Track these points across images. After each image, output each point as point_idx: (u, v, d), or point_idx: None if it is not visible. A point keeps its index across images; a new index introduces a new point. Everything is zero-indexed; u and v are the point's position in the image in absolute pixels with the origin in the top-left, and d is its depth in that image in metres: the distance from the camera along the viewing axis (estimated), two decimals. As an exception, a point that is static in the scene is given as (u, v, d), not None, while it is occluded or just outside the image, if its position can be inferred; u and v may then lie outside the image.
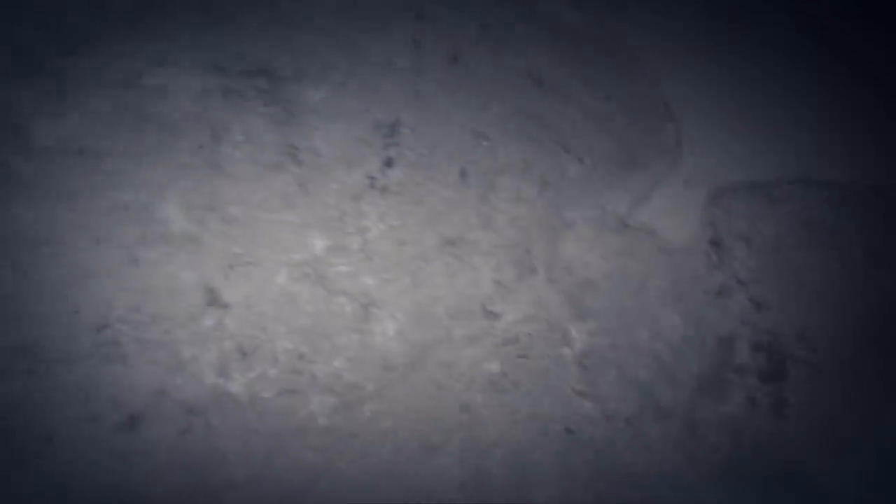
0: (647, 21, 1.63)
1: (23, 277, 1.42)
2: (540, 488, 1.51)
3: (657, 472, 1.53)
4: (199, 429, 1.44)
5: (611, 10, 1.62)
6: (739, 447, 1.56)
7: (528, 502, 1.50)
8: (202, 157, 1.48)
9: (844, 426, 1.59)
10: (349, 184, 1.50)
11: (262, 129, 1.50)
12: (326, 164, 1.51)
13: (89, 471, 1.41)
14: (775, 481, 1.56)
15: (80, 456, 1.41)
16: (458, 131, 1.55)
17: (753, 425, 1.56)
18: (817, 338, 1.59)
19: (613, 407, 1.53)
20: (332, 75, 1.53)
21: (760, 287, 1.59)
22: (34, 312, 1.41)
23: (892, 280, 1.61)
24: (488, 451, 1.50)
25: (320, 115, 1.52)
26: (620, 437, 1.53)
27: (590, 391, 1.53)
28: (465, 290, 1.51)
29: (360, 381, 1.48)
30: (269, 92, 1.51)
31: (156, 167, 1.47)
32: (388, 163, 1.52)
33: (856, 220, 1.63)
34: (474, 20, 1.57)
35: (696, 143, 1.60)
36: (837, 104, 1.67)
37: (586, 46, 1.61)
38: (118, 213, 1.45)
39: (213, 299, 1.46)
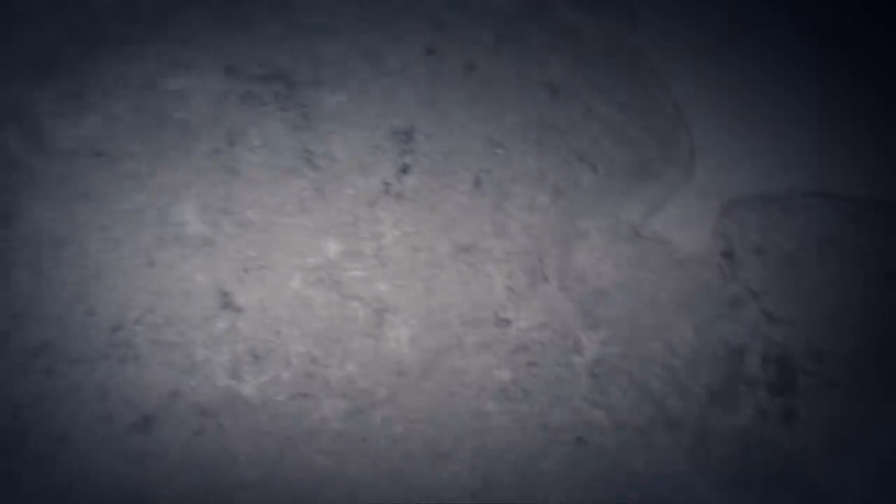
0: (662, 33, 1.63)
1: (40, 277, 1.43)
2: (550, 496, 1.51)
3: (667, 482, 1.53)
4: (212, 430, 1.45)
5: (626, 23, 1.63)
6: (749, 458, 1.56)
7: (537, 510, 1.50)
8: (219, 160, 1.49)
9: (853, 439, 1.59)
10: (364, 189, 1.51)
11: (278, 133, 1.51)
12: (342, 169, 1.52)
13: (102, 470, 1.42)
14: (784, 492, 1.56)
15: (93, 455, 1.42)
16: (473, 139, 1.56)
17: (763, 437, 1.56)
18: (828, 350, 1.59)
19: (624, 416, 1.53)
20: (350, 82, 1.54)
21: (772, 299, 1.59)
22: (51, 312, 1.43)
23: (904, 294, 1.61)
24: (499, 458, 1.50)
25: (337, 121, 1.53)
26: (631, 447, 1.53)
27: (601, 400, 1.53)
28: (477, 297, 1.52)
29: (372, 386, 1.48)
30: (286, 97, 1.52)
31: (173, 170, 1.48)
32: (404, 169, 1.53)
33: (868, 234, 1.63)
34: (491, 30, 1.58)
35: (709, 155, 1.61)
36: (862, 120, 1.68)
37: (602, 57, 1.62)
38: (135, 215, 1.47)
39: (227, 302, 1.47)
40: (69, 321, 1.43)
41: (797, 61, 1.67)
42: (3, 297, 1.42)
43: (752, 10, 1.67)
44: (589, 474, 1.52)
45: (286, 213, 1.50)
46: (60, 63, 1.48)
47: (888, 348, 1.61)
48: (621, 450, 1.53)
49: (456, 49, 1.57)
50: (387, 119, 1.54)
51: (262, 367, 1.46)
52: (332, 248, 1.50)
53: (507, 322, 1.52)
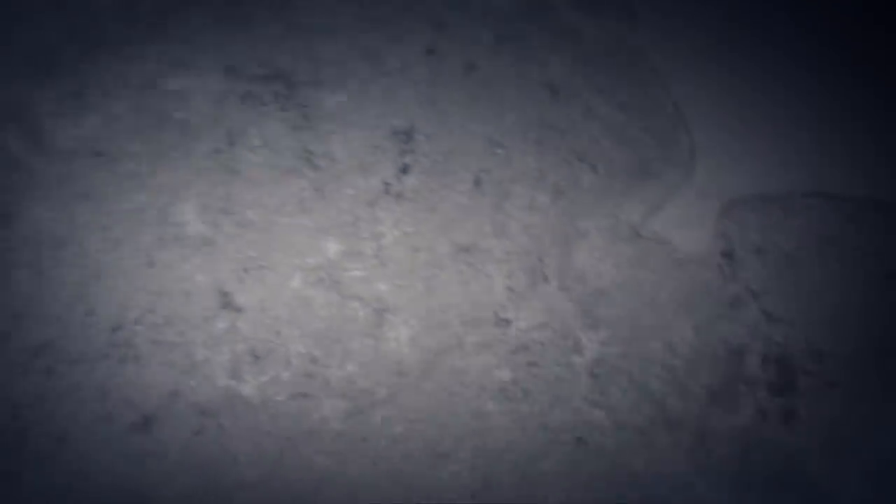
0: (662, 33, 1.63)
1: (40, 277, 1.43)
2: (550, 496, 1.51)
3: (667, 483, 1.53)
4: (212, 430, 1.45)
5: (626, 22, 1.63)
6: (749, 458, 1.56)
7: (537, 510, 1.50)
8: (219, 160, 1.49)
9: (853, 439, 1.59)
10: (364, 189, 1.51)
11: (278, 133, 1.51)
12: (342, 169, 1.52)
13: (102, 470, 1.42)
14: (784, 492, 1.56)
15: (93, 455, 1.42)
16: (473, 139, 1.56)
17: (763, 437, 1.56)
18: (828, 350, 1.59)
19: (624, 416, 1.53)
20: (350, 82, 1.54)
21: (772, 299, 1.59)
22: (51, 312, 1.43)
23: (904, 294, 1.61)
24: (499, 458, 1.50)
25: (337, 121, 1.53)
26: (631, 447, 1.53)
27: (601, 400, 1.53)
28: (477, 297, 1.52)
29: (372, 386, 1.48)
30: (286, 97, 1.52)
31: (173, 170, 1.48)
32: (404, 169, 1.53)
33: (868, 234, 1.63)
34: (491, 30, 1.58)
35: (709, 155, 1.61)
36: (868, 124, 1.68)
37: (602, 57, 1.62)
38: (135, 215, 1.47)
39: (228, 302, 1.47)
40: (69, 321, 1.43)
41: (797, 61, 1.67)
42: (4, 296, 1.42)
43: (751, 9, 1.68)
44: (589, 474, 1.52)
45: (286, 213, 1.50)
46: (60, 63, 1.48)
47: (888, 348, 1.61)
48: (621, 450, 1.53)
49: (456, 49, 1.57)
50: (387, 119, 1.54)
51: (262, 367, 1.46)
52: (332, 248, 1.50)
53: (507, 322, 1.52)
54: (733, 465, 1.55)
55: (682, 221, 1.58)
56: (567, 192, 1.57)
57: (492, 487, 1.50)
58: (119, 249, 1.46)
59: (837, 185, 1.63)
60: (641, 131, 1.60)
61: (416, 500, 1.48)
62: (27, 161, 1.45)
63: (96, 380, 1.43)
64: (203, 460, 1.44)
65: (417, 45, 1.56)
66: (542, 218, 1.56)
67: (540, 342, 1.52)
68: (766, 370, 1.56)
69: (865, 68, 1.68)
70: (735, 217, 1.60)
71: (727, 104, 1.63)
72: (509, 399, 1.51)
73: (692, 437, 1.55)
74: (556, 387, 1.52)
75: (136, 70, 1.49)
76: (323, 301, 1.49)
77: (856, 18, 1.69)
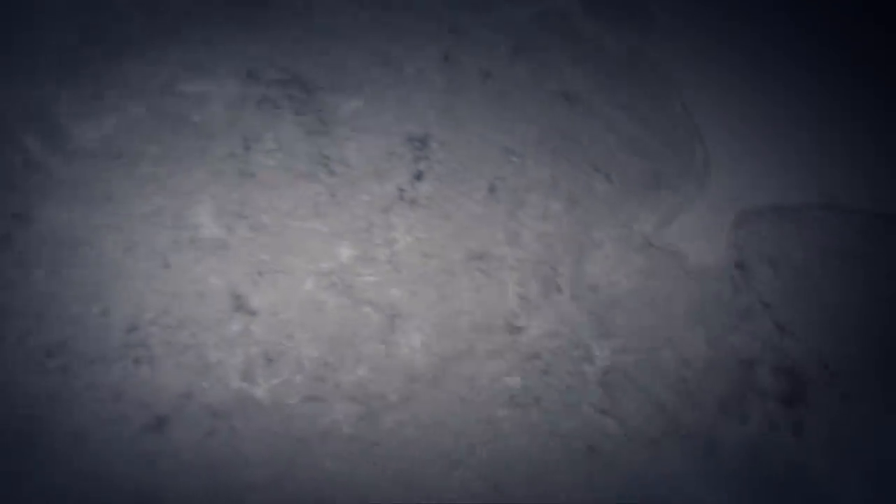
0: (679, 44, 1.64)
1: (57, 277, 1.45)
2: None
3: (676, 492, 1.54)
4: (224, 432, 1.46)
5: (642, 32, 1.63)
6: (759, 468, 1.56)
7: (546, 518, 1.50)
8: (235, 164, 1.50)
9: (863, 451, 1.59)
10: (379, 195, 1.52)
11: (294, 138, 1.52)
12: (357, 175, 1.52)
13: (115, 470, 1.43)
14: (791, 502, 1.56)
15: (106, 455, 1.43)
16: (488, 147, 1.56)
17: (773, 447, 1.56)
18: (839, 363, 1.59)
19: (634, 425, 1.53)
20: (366, 87, 1.55)
21: (784, 311, 1.59)
22: (67, 312, 1.44)
23: (916, 308, 1.61)
24: (509, 465, 1.51)
25: (352, 127, 1.54)
26: (641, 456, 1.53)
27: (611, 409, 1.53)
28: (490, 304, 1.53)
29: (383, 391, 1.49)
30: (302, 102, 1.53)
31: (189, 173, 1.49)
32: (418, 176, 1.54)
33: (881, 247, 1.62)
34: (508, 39, 1.59)
35: (723, 166, 1.61)
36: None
37: (618, 67, 1.62)
38: (151, 217, 1.48)
39: (241, 305, 1.48)
40: (85, 321, 1.44)
41: (820, 76, 1.67)
42: (21, 296, 1.43)
43: (774, 24, 1.67)
44: (599, 482, 1.52)
45: (300, 217, 1.51)
46: (80, 65, 1.50)
47: (899, 362, 1.61)
48: (631, 459, 1.53)
49: (472, 57, 1.58)
50: (402, 125, 1.55)
51: (274, 369, 1.47)
52: (346, 252, 1.51)
53: (520, 330, 1.53)
54: (743, 474, 1.55)
55: (696, 232, 1.58)
56: (581, 201, 1.57)
57: (501, 494, 1.50)
58: (135, 251, 1.47)
59: (851, 199, 1.63)
60: (656, 142, 1.60)
61: (425, 505, 1.49)
62: (46, 162, 1.47)
63: (111, 380, 1.44)
64: (215, 461, 1.45)
65: (434, 53, 1.57)
66: (556, 227, 1.56)
67: (551, 350, 1.53)
68: (777, 381, 1.56)
69: (888, 83, 1.68)
70: (748, 229, 1.60)
71: (742, 116, 1.63)
72: (520, 406, 1.52)
73: (702, 446, 1.55)
74: (567, 395, 1.52)
75: (156, 73, 1.51)
76: (336, 305, 1.49)
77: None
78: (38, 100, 1.48)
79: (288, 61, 1.54)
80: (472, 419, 1.51)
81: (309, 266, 1.50)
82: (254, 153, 1.51)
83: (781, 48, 1.65)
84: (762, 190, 1.61)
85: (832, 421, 1.57)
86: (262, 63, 1.53)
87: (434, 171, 1.54)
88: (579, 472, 1.51)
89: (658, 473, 1.53)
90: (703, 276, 1.58)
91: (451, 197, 1.54)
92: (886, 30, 1.68)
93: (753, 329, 1.58)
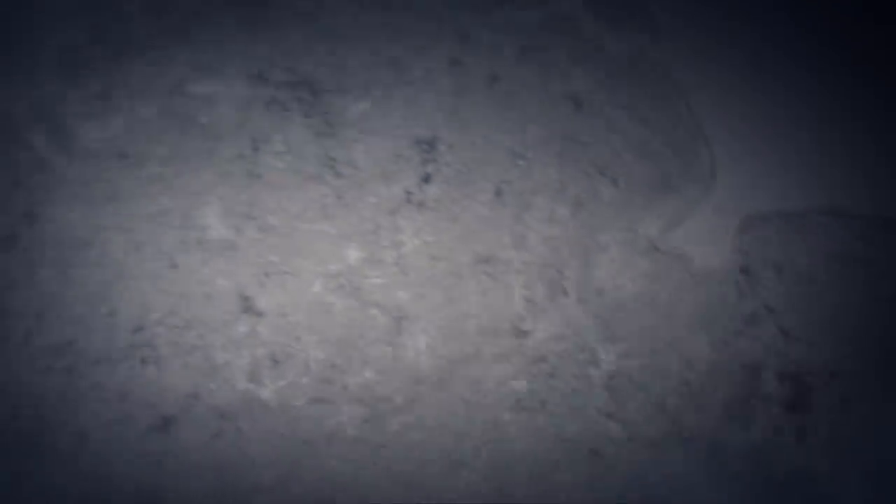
0: (685, 47, 1.64)
1: (64, 277, 1.45)
2: (565, 508, 1.52)
3: (680, 496, 1.54)
4: (230, 433, 1.46)
5: (649, 35, 1.64)
6: (762, 473, 1.57)
7: (550, 520, 1.51)
8: (243, 165, 1.51)
9: (867, 457, 1.60)
10: (386, 197, 1.53)
11: (302, 139, 1.52)
12: (364, 177, 1.53)
13: (121, 470, 1.43)
14: (794, 509, 1.57)
15: (113, 455, 1.43)
16: (495, 150, 1.57)
17: (777, 452, 1.57)
18: (844, 368, 1.60)
19: (639, 429, 1.54)
20: (374, 90, 1.55)
21: (789, 316, 1.60)
22: (73, 312, 1.44)
23: (920, 314, 1.62)
24: (513, 468, 1.52)
25: (360, 129, 1.54)
26: (645, 460, 1.54)
27: (616, 413, 1.54)
28: (496, 307, 1.53)
29: (390, 393, 1.50)
30: (310, 104, 1.53)
31: (197, 174, 1.49)
32: (426, 178, 1.54)
33: (887, 253, 1.63)
34: (515, 42, 1.59)
35: (729, 170, 1.61)
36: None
37: (624, 70, 1.62)
38: (159, 217, 1.48)
39: (248, 306, 1.48)
40: (91, 321, 1.45)
41: (822, 79, 1.67)
42: (27, 295, 1.43)
43: (777, 25, 1.68)
44: (603, 486, 1.53)
45: (308, 219, 1.51)
46: (88, 64, 1.49)
47: (903, 367, 1.61)
48: (635, 462, 1.54)
49: (480, 60, 1.58)
50: (410, 128, 1.55)
51: (281, 371, 1.48)
52: (353, 255, 1.51)
53: (526, 333, 1.53)
54: (746, 479, 1.56)
55: (701, 237, 1.59)
56: (587, 204, 1.58)
57: (506, 496, 1.51)
58: (142, 251, 1.47)
59: (857, 204, 1.63)
60: (662, 145, 1.61)
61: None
62: (53, 161, 1.47)
63: (117, 380, 1.44)
64: (221, 462, 1.46)
65: (441, 56, 1.57)
66: (562, 230, 1.57)
67: (557, 354, 1.54)
68: (782, 387, 1.57)
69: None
70: (753, 233, 1.61)
71: (748, 120, 1.64)
72: (526, 409, 1.52)
73: (706, 451, 1.56)
74: (572, 398, 1.53)
75: (164, 73, 1.51)
76: (343, 307, 1.50)
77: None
78: (45, 99, 1.48)
79: (296, 63, 1.54)
80: (477, 422, 1.51)
81: (316, 268, 1.50)
82: (262, 154, 1.51)
83: (781, 48, 1.65)
84: (762, 189, 1.62)
85: (835, 425, 1.58)
86: (271, 64, 1.53)
87: (441, 174, 1.54)
88: (582, 474, 1.52)
89: (660, 476, 1.54)
90: (709, 280, 1.59)
91: (458, 200, 1.54)
92: (886, 30, 1.68)
93: (758, 334, 1.59)
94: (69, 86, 1.49)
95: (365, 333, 1.50)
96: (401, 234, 1.52)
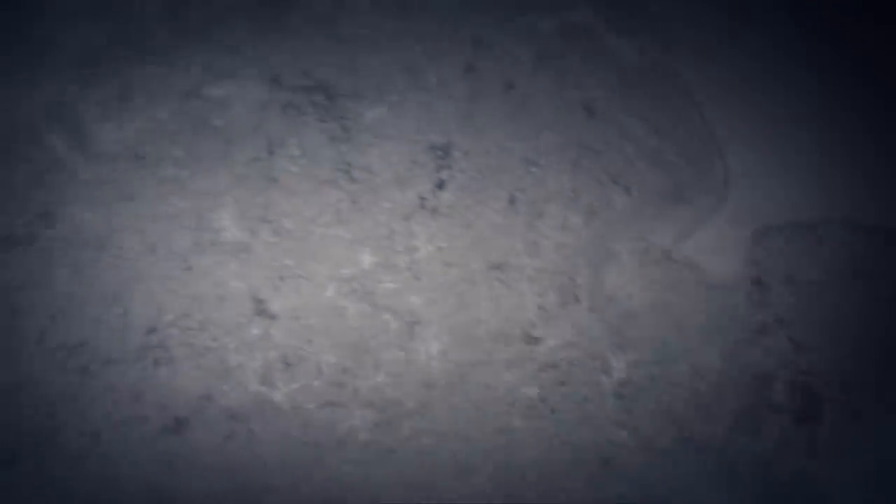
0: (700, 58, 1.65)
1: (79, 277, 1.45)
2: (574, 515, 1.53)
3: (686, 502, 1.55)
4: (242, 435, 1.47)
5: (663, 45, 1.64)
6: (772, 484, 1.57)
7: (558, 526, 1.52)
8: (258, 168, 1.51)
9: (878, 469, 1.60)
10: (401, 203, 1.53)
11: (317, 144, 1.53)
12: (379, 182, 1.53)
13: (133, 470, 1.44)
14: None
15: (125, 456, 1.44)
16: (509, 157, 1.57)
17: (787, 463, 1.57)
18: (854, 380, 1.60)
19: (649, 438, 1.55)
20: (389, 95, 1.56)
21: (800, 327, 1.60)
22: (88, 312, 1.45)
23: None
24: (523, 474, 1.52)
25: (375, 134, 1.54)
26: (654, 468, 1.54)
27: (626, 421, 1.55)
28: (508, 314, 1.54)
29: (401, 397, 1.50)
30: (326, 108, 1.54)
31: (212, 176, 1.50)
32: (440, 185, 1.55)
33: (890, 263, 1.64)
34: (530, 50, 1.60)
35: (742, 181, 1.62)
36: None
37: (639, 79, 1.63)
38: (174, 219, 1.49)
39: (262, 309, 1.49)
40: (105, 322, 1.45)
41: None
42: (42, 295, 1.44)
43: (793, 37, 1.68)
44: (612, 494, 1.54)
45: (323, 223, 1.52)
46: (106, 66, 1.50)
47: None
48: (644, 470, 1.54)
49: (495, 67, 1.59)
50: (425, 134, 1.55)
51: (293, 374, 1.48)
52: (367, 259, 1.52)
53: (537, 340, 1.54)
54: (756, 490, 1.56)
55: (714, 246, 1.60)
56: (600, 213, 1.58)
57: (514, 502, 1.52)
58: (156, 252, 1.48)
59: (870, 216, 1.63)
60: (676, 155, 1.61)
61: (440, 512, 1.50)
62: (70, 162, 1.47)
63: (130, 381, 1.45)
64: (233, 464, 1.46)
65: (457, 62, 1.58)
66: (575, 238, 1.57)
67: (569, 361, 1.54)
68: (792, 398, 1.57)
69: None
70: (766, 244, 1.61)
71: (762, 131, 1.64)
72: (536, 416, 1.53)
73: (715, 460, 1.56)
74: (582, 406, 1.54)
75: (181, 76, 1.51)
76: (356, 312, 1.51)
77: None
78: (63, 101, 1.49)
79: (312, 67, 1.55)
80: (487, 427, 1.52)
81: (330, 272, 1.51)
82: (277, 158, 1.52)
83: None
84: (774, 200, 1.62)
85: (847, 438, 1.59)
86: (287, 69, 1.54)
87: (456, 181, 1.55)
88: (590, 481, 1.53)
89: (668, 484, 1.55)
90: (721, 290, 1.59)
91: (471, 206, 1.55)
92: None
93: (769, 344, 1.59)
94: (86, 87, 1.49)
95: (377, 338, 1.50)
96: (414, 240, 1.53)
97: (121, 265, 1.47)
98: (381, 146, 1.54)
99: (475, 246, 1.54)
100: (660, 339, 1.57)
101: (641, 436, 1.54)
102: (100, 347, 1.45)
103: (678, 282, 1.58)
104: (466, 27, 1.59)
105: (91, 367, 1.45)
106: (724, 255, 1.60)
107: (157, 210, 1.49)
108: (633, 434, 1.54)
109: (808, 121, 1.65)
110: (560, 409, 1.53)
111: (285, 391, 1.48)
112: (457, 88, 1.58)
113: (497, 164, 1.57)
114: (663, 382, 1.55)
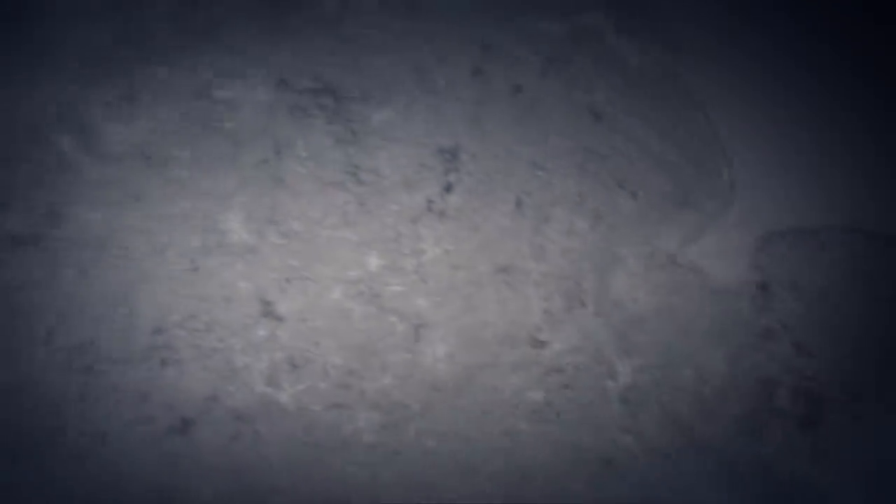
0: (708, 62, 1.65)
1: (85, 277, 1.45)
2: (579, 518, 1.53)
3: (690, 508, 1.56)
4: (248, 436, 1.47)
5: (671, 50, 1.65)
6: (774, 489, 1.58)
7: (563, 529, 1.52)
8: (265, 170, 1.51)
9: (882, 474, 1.61)
10: (408, 206, 1.53)
11: (325, 146, 1.53)
12: (386, 184, 1.54)
13: (139, 470, 1.44)
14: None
15: (131, 455, 1.44)
16: (516, 161, 1.57)
17: (790, 469, 1.58)
18: (858, 386, 1.61)
19: (653, 442, 1.55)
20: (397, 98, 1.56)
21: (804, 333, 1.61)
22: (94, 312, 1.45)
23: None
24: (527, 477, 1.53)
25: (383, 136, 1.55)
26: (658, 472, 1.55)
27: (631, 425, 1.55)
28: (514, 317, 1.54)
29: (407, 400, 1.51)
30: (334, 111, 1.54)
31: (220, 178, 1.50)
32: (447, 188, 1.55)
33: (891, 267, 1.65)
34: (539, 53, 1.60)
35: (748, 186, 1.62)
36: None
37: (646, 84, 1.63)
38: (181, 220, 1.49)
39: (269, 311, 1.49)
40: (111, 322, 1.45)
41: (834, 93, 1.68)
42: (49, 295, 1.44)
43: (793, 37, 1.68)
44: (615, 498, 1.54)
45: (330, 225, 1.52)
46: (114, 66, 1.50)
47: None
48: (648, 475, 1.55)
49: (503, 70, 1.59)
50: (432, 137, 1.56)
51: (299, 376, 1.49)
52: (374, 262, 1.52)
53: (543, 344, 1.55)
54: (757, 494, 1.57)
55: (719, 251, 1.60)
56: (606, 217, 1.59)
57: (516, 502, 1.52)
58: (163, 253, 1.48)
59: (874, 223, 1.64)
60: (682, 159, 1.62)
61: (444, 514, 1.50)
62: (77, 162, 1.47)
63: (136, 381, 1.45)
64: (238, 465, 1.47)
65: (465, 65, 1.58)
66: (581, 242, 1.58)
67: (574, 365, 1.55)
68: (795, 403, 1.58)
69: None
70: (769, 249, 1.62)
71: (769, 136, 1.64)
72: (541, 420, 1.54)
73: (719, 465, 1.57)
74: (587, 410, 1.54)
75: (188, 77, 1.51)
76: (362, 314, 1.51)
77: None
78: (70, 100, 1.48)
79: (319, 69, 1.55)
80: (492, 430, 1.53)
81: (337, 274, 1.51)
82: (284, 160, 1.52)
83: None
84: (779, 205, 1.63)
85: (850, 443, 1.60)
86: (294, 71, 1.54)
87: (463, 184, 1.55)
88: (594, 484, 1.53)
89: (672, 488, 1.55)
90: (726, 295, 1.60)
91: (479, 209, 1.55)
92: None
93: (773, 349, 1.60)
94: (94, 87, 1.49)
95: (384, 340, 1.51)
96: (421, 243, 1.53)
97: (127, 266, 1.47)
98: (389, 148, 1.54)
99: (482, 249, 1.55)
100: (665, 344, 1.57)
101: (646, 440, 1.55)
102: (106, 347, 1.45)
103: (683, 286, 1.59)
104: (475, 30, 1.59)
105: (97, 368, 1.45)
106: (728, 260, 1.60)
107: (163, 211, 1.49)
108: (638, 438, 1.55)
109: (809, 121, 1.66)
110: (565, 412, 1.54)
111: (291, 392, 1.48)
112: (464, 91, 1.58)
113: (504, 167, 1.57)
114: (668, 387, 1.56)
